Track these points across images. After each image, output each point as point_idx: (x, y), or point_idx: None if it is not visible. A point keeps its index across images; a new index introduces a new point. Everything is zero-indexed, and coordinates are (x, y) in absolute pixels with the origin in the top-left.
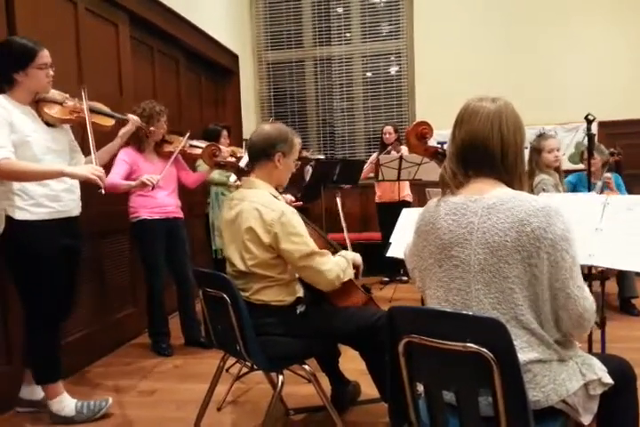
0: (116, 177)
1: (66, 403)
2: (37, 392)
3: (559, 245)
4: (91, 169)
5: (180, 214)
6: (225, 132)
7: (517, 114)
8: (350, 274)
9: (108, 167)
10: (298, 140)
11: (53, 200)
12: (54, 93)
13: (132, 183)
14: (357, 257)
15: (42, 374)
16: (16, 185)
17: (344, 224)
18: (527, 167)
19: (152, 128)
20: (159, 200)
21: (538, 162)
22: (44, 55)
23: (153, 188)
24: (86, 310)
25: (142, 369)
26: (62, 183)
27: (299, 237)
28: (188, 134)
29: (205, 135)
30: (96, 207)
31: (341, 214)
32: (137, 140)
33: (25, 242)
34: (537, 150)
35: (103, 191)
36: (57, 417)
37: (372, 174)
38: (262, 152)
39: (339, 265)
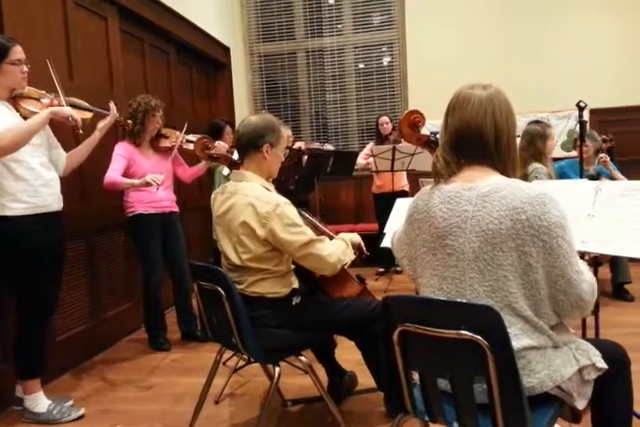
0: (116, 174)
1: (40, 401)
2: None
3: (554, 232)
4: (71, 110)
5: (176, 209)
6: (228, 128)
7: (508, 100)
8: (350, 255)
9: (96, 162)
10: (286, 131)
11: (32, 196)
12: (31, 91)
13: (136, 182)
14: (355, 237)
15: (25, 369)
16: None
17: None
18: (522, 155)
19: (129, 121)
20: (155, 195)
21: (540, 149)
22: (17, 51)
23: (157, 188)
24: (83, 306)
25: (140, 364)
26: (40, 178)
27: (296, 226)
28: (185, 128)
29: (209, 130)
30: (91, 202)
31: None
32: (132, 135)
33: (6, 238)
34: (542, 137)
35: (81, 131)
36: (29, 412)
37: (371, 165)
38: (250, 144)
39: (338, 248)
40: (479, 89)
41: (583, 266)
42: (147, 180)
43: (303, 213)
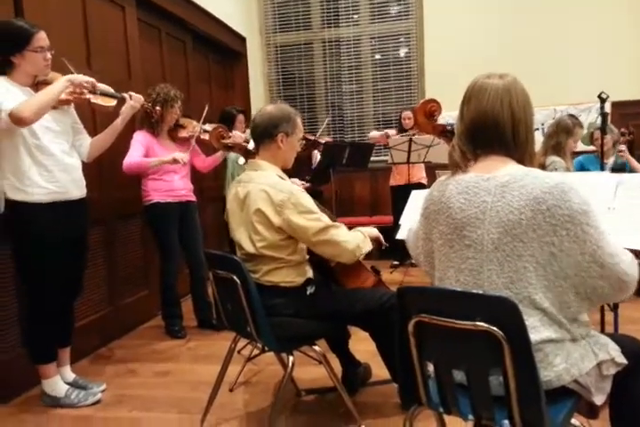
0: (137, 158)
1: (57, 385)
2: (67, 375)
3: (577, 219)
4: (90, 78)
5: (193, 198)
6: (241, 117)
7: (525, 90)
8: (368, 246)
9: (115, 151)
10: (300, 120)
11: (49, 181)
12: (55, 76)
13: (164, 158)
14: (373, 230)
15: (37, 354)
16: (9, 167)
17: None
18: (547, 143)
19: (158, 108)
20: (172, 184)
21: (561, 144)
22: (41, 38)
23: (184, 164)
24: (100, 293)
25: (156, 351)
26: (60, 164)
27: (311, 213)
28: (204, 116)
29: (220, 118)
30: (110, 191)
31: None
32: (150, 125)
33: (24, 224)
34: (567, 133)
35: (98, 93)
36: (46, 396)
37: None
38: (265, 133)
39: (355, 237)
40: (496, 78)
41: (617, 248)
42: (174, 156)
43: (318, 205)
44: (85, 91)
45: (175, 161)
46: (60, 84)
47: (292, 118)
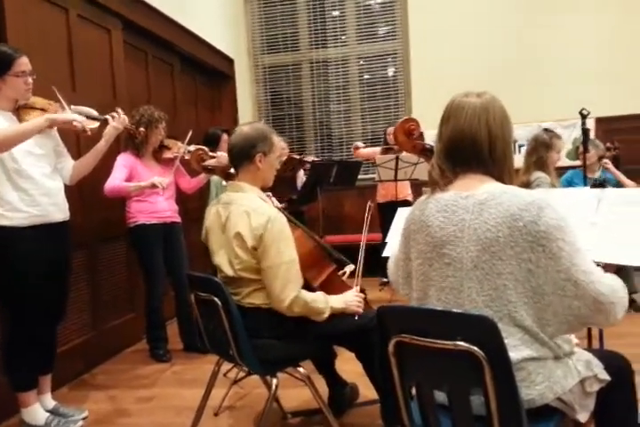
0: (118, 181)
1: (37, 413)
2: (47, 403)
3: (553, 235)
4: (73, 115)
5: (178, 219)
6: (225, 137)
7: (504, 107)
8: (325, 309)
9: (96, 173)
10: (278, 139)
11: (29, 205)
12: (36, 100)
13: (142, 183)
14: (344, 298)
15: (16, 382)
16: None
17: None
18: (527, 160)
19: (142, 129)
20: (157, 205)
21: (543, 159)
22: (22, 62)
23: (163, 191)
24: (84, 317)
25: (140, 376)
26: (41, 188)
27: (280, 242)
28: (187, 138)
29: (205, 139)
30: (92, 214)
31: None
32: (135, 146)
33: (3, 248)
34: (547, 147)
35: (89, 133)
36: (25, 425)
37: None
38: (243, 154)
39: (310, 296)
40: (473, 97)
41: (593, 266)
42: (153, 181)
43: (301, 226)
44: (71, 128)
45: (154, 186)
46: (39, 124)
47: (267, 137)
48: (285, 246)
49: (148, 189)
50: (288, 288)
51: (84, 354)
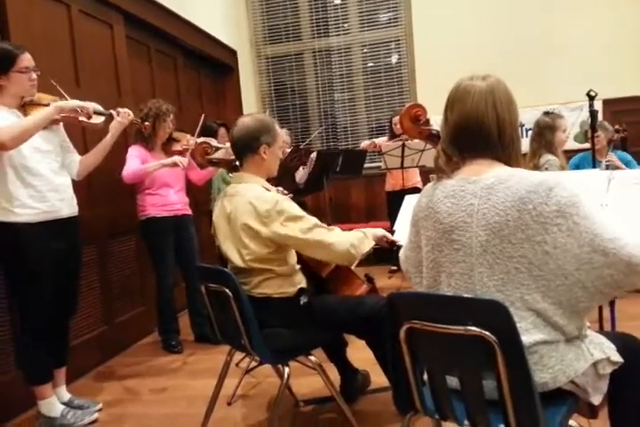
0: (135, 166)
1: (53, 406)
2: (63, 395)
3: (567, 212)
4: (78, 101)
5: (189, 211)
6: (222, 130)
7: (509, 90)
8: (368, 245)
9: (104, 168)
10: (284, 135)
11: (39, 201)
12: (41, 96)
13: (163, 161)
14: (378, 230)
15: (32, 376)
16: None
17: None
18: (532, 146)
19: (147, 123)
20: (168, 198)
21: (550, 141)
22: (26, 58)
23: (184, 168)
24: (97, 311)
25: (153, 367)
26: (49, 184)
27: (297, 218)
28: (198, 130)
29: (203, 133)
30: (101, 208)
31: None
32: (144, 139)
33: (12, 245)
34: (551, 129)
35: (94, 121)
36: (42, 417)
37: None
38: (247, 147)
39: (349, 236)
40: (479, 80)
41: (618, 231)
42: (174, 159)
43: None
44: (78, 116)
45: (175, 164)
46: (49, 112)
47: (270, 128)
48: (303, 215)
49: (169, 167)
50: (334, 249)
51: (97, 347)
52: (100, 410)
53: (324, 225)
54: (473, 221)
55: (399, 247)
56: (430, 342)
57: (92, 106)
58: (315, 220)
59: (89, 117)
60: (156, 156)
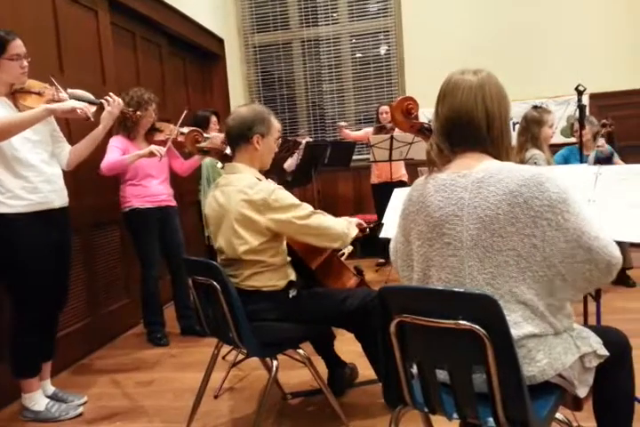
0: (113, 158)
1: (39, 399)
2: (47, 389)
3: (557, 208)
4: (73, 102)
5: (173, 203)
6: (214, 118)
7: (500, 85)
8: (355, 230)
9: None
10: (276, 121)
11: (31, 192)
12: (32, 84)
13: (139, 152)
14: (353, 218)
15: (22, 368)
16: None
17: None
18: (519, 140)
19: (138, 113)
20: (151, 189)
21: (536, 135)
22: (16, 45)
23: (160, 158)
24: (81, 303)
25: (138, 360)
26: (41, 175)
27: (292, 205)
28: (181, 120)
29: (194, 122)
30: (86, 199)
31: None
32: (126, 129)
33: (6, 236)
34: (538, 123)
35: (92, 118)
36: (27, 411)
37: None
38: (240, 136)
39: (340, 222)
40: (470, 74)
41: (600, 230)
42: (150, 149)
43: None
44: (76, 117)
45: (152, 154)
46: (39, 115)
47: (265, 118)
48: (300, 203)
49: (146, 158)
50: (331, 231)
51: (81, 340)
52: (84, 403)
53: (320, 211)
54: (463, 215)
55: (372, 233)
56: (420, 335)
57: (83, 94)
58: (310, 206)
59: (88, 119)
60: (138, 146)
